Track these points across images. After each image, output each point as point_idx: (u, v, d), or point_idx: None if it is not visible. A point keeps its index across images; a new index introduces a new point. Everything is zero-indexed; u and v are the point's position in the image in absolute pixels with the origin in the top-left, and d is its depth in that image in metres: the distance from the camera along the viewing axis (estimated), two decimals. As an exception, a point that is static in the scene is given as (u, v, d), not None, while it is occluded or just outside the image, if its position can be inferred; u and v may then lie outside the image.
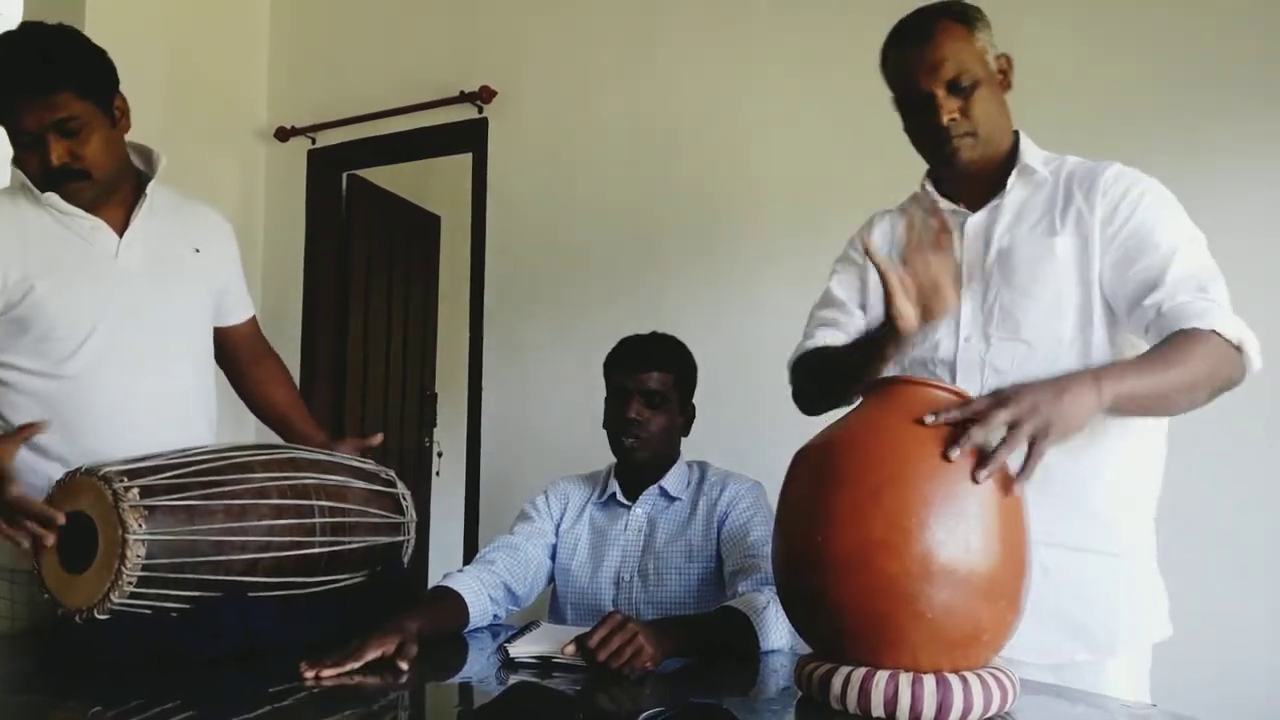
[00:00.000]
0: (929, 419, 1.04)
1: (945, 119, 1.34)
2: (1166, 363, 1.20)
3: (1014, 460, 1.05)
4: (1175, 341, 1.22)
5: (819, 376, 1.50)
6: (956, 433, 1.03)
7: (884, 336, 1.28)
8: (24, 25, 1.66)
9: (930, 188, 1.48)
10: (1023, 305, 1.36)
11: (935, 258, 1.24)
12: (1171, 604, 1.39)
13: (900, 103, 1.42)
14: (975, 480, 1.01)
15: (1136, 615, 1.36)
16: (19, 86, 1.51)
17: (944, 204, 1.46)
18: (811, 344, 1.54)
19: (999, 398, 1.07)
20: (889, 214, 1.58)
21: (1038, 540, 1.29)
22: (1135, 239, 1.31)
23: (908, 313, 1.23)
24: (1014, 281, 1.37)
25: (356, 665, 1.26)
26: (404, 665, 1.28)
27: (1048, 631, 1.31)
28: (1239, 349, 1.23)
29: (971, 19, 1.37)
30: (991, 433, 1.04)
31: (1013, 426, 1.04)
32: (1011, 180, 1.40)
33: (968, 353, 1.39)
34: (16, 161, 1.59)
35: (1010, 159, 1.42)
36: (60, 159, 1.53)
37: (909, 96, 1.39)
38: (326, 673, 1.23)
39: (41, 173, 1.56)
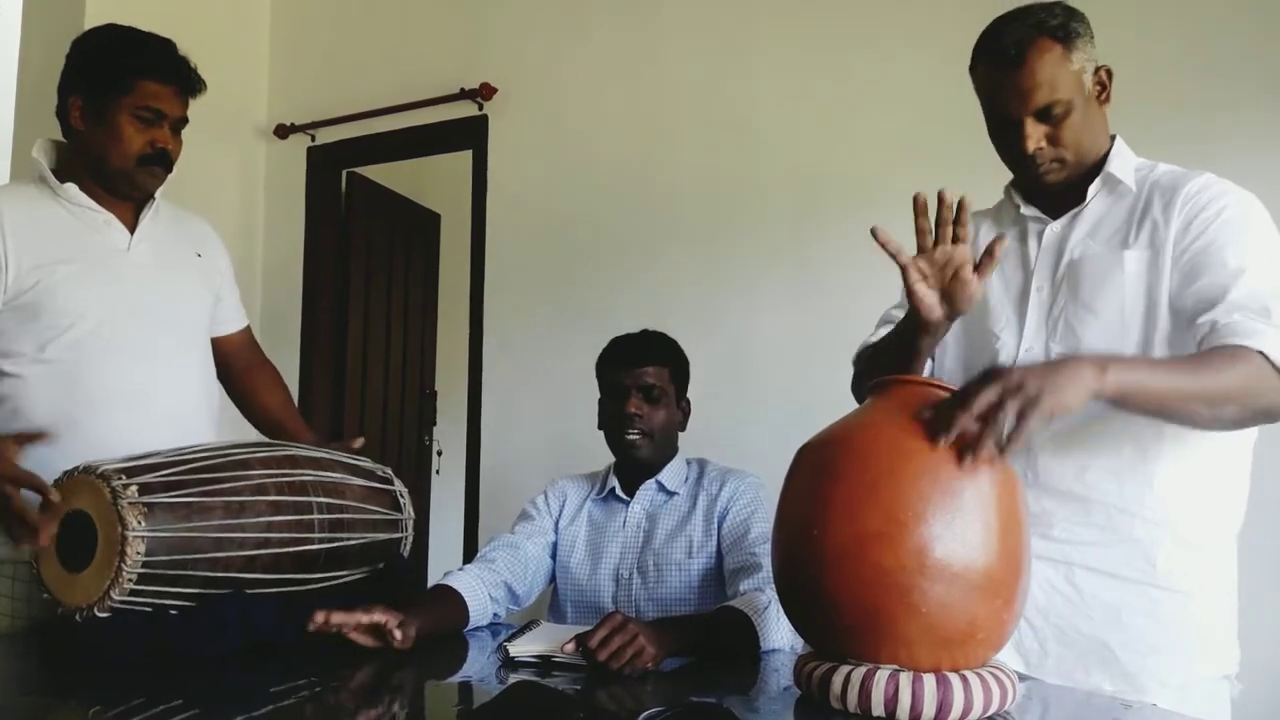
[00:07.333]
0: (926, 414, 1.03)
1: (1031, 148, 1.28)
2: (1193, 369, 1.14)
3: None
4: (1211, 353, 1.15)
5: (867, 372, 1.46)
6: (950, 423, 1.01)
7: (912, 328, 1.27)
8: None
9: (1014, 192, 1.42)
10: (1084, 319, 1.31)
11: (952, 246, 1.20)
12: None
13: (987, 117, 1.35)
14: (960, 465, 0.98)
15: (1174, 653, 1.27)
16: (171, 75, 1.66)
17: (1026, 210, 1.40)
18: (870, 340, 1.52)
19: (986, 374, 1.03)
20: (975, 215, 1.51)
21: (1074, 563, 1.29)
22: (1204, 255, 1.23)
23: (930, 299, 1.21)
24: (1079, 295, 1.32)
25: (364, 619, 1.33)
26: (398, 635, 1.33)
27: (1076, 656, 1.28)
28: None
29: (1071, 35, 1.27)
30: (978, 415, 0.99)
31: (998, 405, 1.00)
32: (1093, 190, 1.34)
33: (1024, 364, 1.32)
34: (103, 136, 1.63)
35: (1099, 167, 1.34)
36: (163, 143, 1.65)
37: (996, 116, 1.32)
38: (336, 618, 1.31)
39: (141, 153, 1.64)
